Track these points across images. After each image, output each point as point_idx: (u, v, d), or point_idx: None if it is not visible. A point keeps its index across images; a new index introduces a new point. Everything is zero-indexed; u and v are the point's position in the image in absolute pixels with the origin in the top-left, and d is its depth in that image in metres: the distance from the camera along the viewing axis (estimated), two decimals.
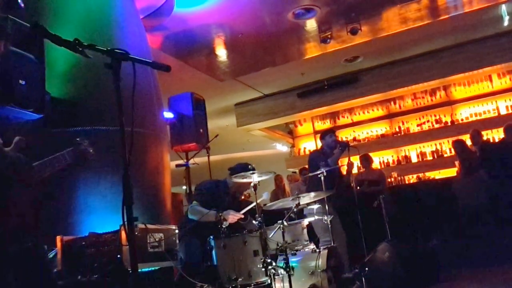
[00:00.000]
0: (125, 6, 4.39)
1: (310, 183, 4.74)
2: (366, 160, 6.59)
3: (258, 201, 3.25)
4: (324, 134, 4.88)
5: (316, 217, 3.90)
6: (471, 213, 5.46)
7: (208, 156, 5.22)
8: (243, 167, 3.36)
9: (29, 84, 3.20)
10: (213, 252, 2.97)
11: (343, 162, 5.00)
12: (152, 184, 4.04)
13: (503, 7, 6.76)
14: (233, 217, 3.23)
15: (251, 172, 3.14)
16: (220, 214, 3.15)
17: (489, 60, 7.98)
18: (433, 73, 8.38)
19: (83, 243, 2.91)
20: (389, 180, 8.56)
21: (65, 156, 2.32)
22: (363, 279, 3.48)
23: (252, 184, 3.18)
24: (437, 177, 8.64)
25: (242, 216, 3.34)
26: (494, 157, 5.47)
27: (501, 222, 5.22)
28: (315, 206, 4.02)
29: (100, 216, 3.47)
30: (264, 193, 3.36)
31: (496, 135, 8.39)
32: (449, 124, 9.19)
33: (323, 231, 4.21)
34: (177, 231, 3.27)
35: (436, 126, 9.33)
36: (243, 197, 3.78)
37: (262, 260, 2.97)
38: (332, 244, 3.82)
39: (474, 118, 8.99)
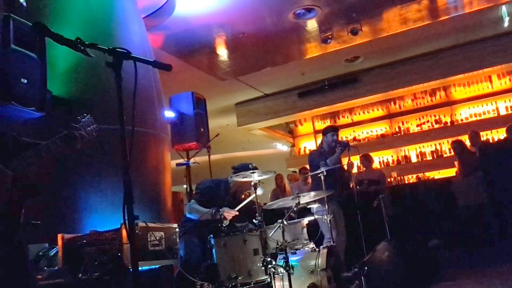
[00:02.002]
0: (126, 5, 4.41)
1: (314, 182, 4.76)
2: (366, 160, 6.61)
3: (254, 196, 3.24)
4: (326, 131, 4.81)
5: (317, 216, 3.92)
6: (470, 213, 5.47)
7: (209, 155, 5.22)
8: (244, 167, 3.38)
9: (31, 82, 3.22)
10: (213, 250, 2.97)
11: (343, 161, 5.01)
12: (153, 182, 4.06)
13: (503, 8, 6.77)
14: (228, 213, 3.24)
15: (251, 171, 3.15)
16: (220, 213, 3.16)
17: (489, 61, 7.99)
18: (433, 73, 8.40)
19: (84, 241, 2.93)
20: (388, 180, 8.58)
21: (55, 143, 2.18)
22: (363, 278, 3.50)
23: (252, 183, 3.19)
24: (436, 177, 8.66)
25: (237, 213, 3.34)
26: (494, 157, 5.49)
27: (501, 222, 5.24)
28: (316, 205, 4.03)
29: (101, 214, 3.49)
30: (258, 188, 3.35)
31: (495, 135, 8.41)
32: (449, 124, 9.20)
33: (329, 228, 4.21)
34: (177, 229, 3.28)
35: (436, 126, 9.36)
36: (243, 196, 3.78)
37: (262, 259, 2.97)
38: (333, 241, 3.83)
39: (473, 119, 9.01)
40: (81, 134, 2.32)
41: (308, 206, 4.08)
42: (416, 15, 6.51)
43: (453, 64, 8.21)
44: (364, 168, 6.71)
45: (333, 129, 4.83)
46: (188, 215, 3.42)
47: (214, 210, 3.19)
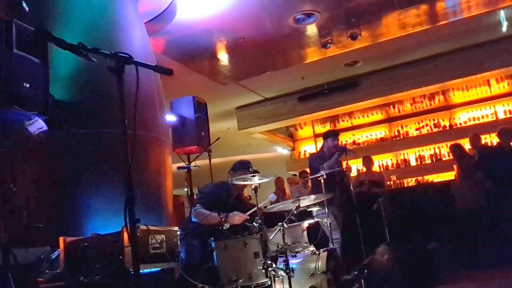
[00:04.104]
0: (128, 10, 4.45)
1: (313, 185, 4.80)
2: (367, 161, 6.65)
3: (264, 203, 3.27)
4: (326, 135, 4.92)
5: (325, 218, 3.95)
6: (469, 216, 5.49)
7: (210, 159, 5.23)
8: (242, 164, 3.41)
9: (33, 86, 3.24)
10: (214, 253, 2.99)
11: (342, 165, 5.04)
12: (154, 186, 4.07)
13: (502, 13, 6.82)
14: (239, 218, 3.28)
15: (252, 174, 3.18)
16: (222, 217, 3.19)
17: (488, 65, 8.04)
18: (432, 77, 8.44)
19: (86, 244, 2.92)
20: (388, 183, 8.61)
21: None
22: (362, 281, 3.51)
23: (253, 187, 3.21)
24: (435, 180, 8.69)
25: (248, 218, 3.37)
26: (493, 160, 5.51)
27: (499, 225, 5.25)
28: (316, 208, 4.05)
29: (103, 217, 3.50)
30: (270, 195, 3.39)
31: (494, 139, 8.43)
32: (448, 128, 9.25)
33: (333, 230, 4.23)
34: (178, 232, 3.30)
35: (435, 130, 9.39)
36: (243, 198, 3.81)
37: (262, 262, 2.98)
38: (333, 243, 3.85)
39: (472, 123, 9.05)
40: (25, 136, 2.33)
41: (309, 209, 4.10)
42: (415, 20, 6.56)
43: (452, 69, 8.26)
44: (365, 169, 6.75)
45: (333, 134, 4.93)
46: (194, 220, 3.44)
47: (224, 214, 3.22)
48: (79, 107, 3.72)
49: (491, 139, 8.46)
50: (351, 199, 4.81)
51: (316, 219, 3.98)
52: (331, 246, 3.86)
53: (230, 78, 8.23)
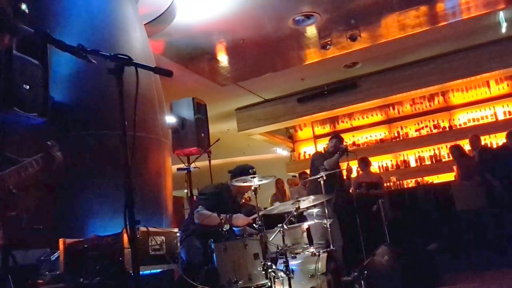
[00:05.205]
0: (128, 12, 4.45)
1: (311, 185, 4.82)
2: (364, 163, 6.63)
3: (270, 209, 3.27)
4: (331, 137, 5.04)
5: (316, 220, 3.94)
6: (469, 216, 5.49)
7: (209, 160, 5.24)
8: (244, 168, 3.41)
9: (33, 88, 3.25)
10: (214, 255, 2.99)
11: (343, 167, 5.06)
12: (154, 187, 4.07)
13: (501, 14, 6.84)
14: (243, 221, 3.29)
15: (252, 176, 3.18)
16: (221, 218, 3.19)
17: (487, 66, 8.05)
18: (432, 78, 8.45)
19: (85, 245, 2.92)
20: (388, 184, 8.61)
21: (38, 161, 2.23)
22: (362, 282, 3.51)
23: (252, 188, 3.21)
24: (435, 181, 8.69)
25: (252, 221, 3.38)
26: (493, 161, 5.52)
27: (499, 225, 5.26)
28: (315, 210, 4.05)
29: (102, 219, 3.50)
30: (275, 203, 3.41)
31: (494, 140, 8.45)
32: (447, 129, 9.26)
33: (319, 234, 4.25)
34: (178, 234, 3.30)
35: (434, 131, 9.41)
36: (243, 201, 3.81)
37: (262, 263, 2.98)
38: (331, 247, 3.85)
39: (472, 124, 9.06)
40: (57, 155, 2.37)
41: (308, 211, 4.10)
42: (414, 21, 6.57)
43: (451, 70, 8.27)
44: (362, 172, 6.73)
45: (336, 137, 5.01)
46: (196, 221, 3.44)
47: (228, 216, 3.22)
48: (79, 109, 3.72)
49: (490, 140, 8.47)
50: (351, 200, 4.82)
51: (316, 220, 3.98)
52: (331, 247, 3.86)
53: (230, 80, 8.23)
